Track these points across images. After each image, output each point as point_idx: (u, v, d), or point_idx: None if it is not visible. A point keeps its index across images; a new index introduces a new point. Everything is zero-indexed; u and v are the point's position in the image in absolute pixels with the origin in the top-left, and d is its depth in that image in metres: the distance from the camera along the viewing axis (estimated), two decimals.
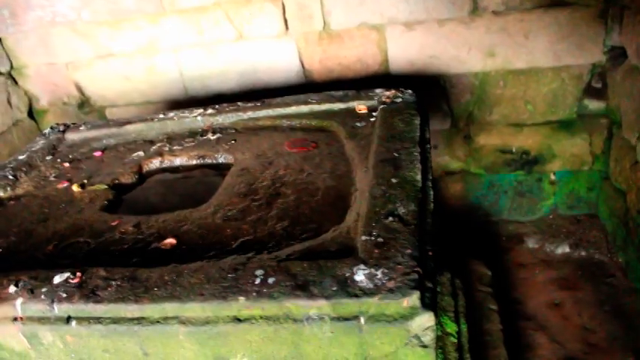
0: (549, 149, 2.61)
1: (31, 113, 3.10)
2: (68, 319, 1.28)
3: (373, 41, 2.59)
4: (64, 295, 1.29)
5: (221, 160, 1.80)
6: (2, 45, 2.91)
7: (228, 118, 1.96)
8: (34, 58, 2.94)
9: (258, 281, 1.21)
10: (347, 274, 1.19)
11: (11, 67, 2.97)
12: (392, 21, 2.51)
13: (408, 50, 2.56)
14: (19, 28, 2.86)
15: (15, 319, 1.31)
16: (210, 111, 2.00)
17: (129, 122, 2.10)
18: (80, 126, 2.18)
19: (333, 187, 1.54)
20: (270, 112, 1.93)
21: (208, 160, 1.82)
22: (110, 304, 1.24)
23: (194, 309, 1.20)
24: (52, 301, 1.28)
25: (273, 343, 1.18)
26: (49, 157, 2.03)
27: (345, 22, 2.56)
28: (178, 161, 1.86)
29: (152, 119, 2.06)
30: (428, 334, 1.14)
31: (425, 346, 1.15)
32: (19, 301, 1.31)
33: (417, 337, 1.14)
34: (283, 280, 1.20)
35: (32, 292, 1.32)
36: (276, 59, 2.71)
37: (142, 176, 1.85)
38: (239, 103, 2.03)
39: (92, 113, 3.01)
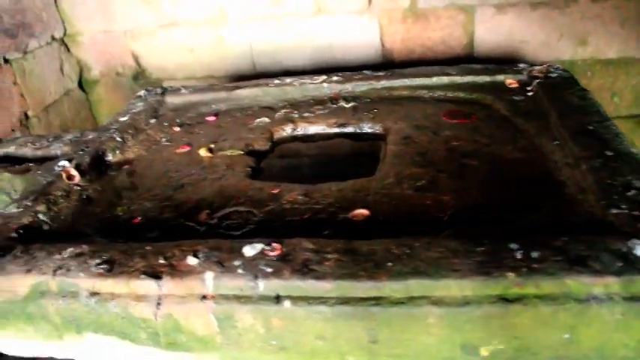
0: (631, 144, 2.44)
1: (79, 84, 2.71)
2: (277, 299, 0.98)
3: (460, 23, 2.36)
4: (269, 269, 1.00)
5: (366, 129, 1.53)
6: (57, 9, 2.52)
7: (358, 86, 1.69)
8: (91, 24, 2.56)
9: (519, 255, 0.96)
10: (623, 249, 0.95)
11: (64, 33, 2.57)
12: (483, 2, 2.29)
13: (495, 34, 2.34)
14: None
15: (204, 297, 1.01)
16: (335, 78, 1.72)
17: (238, 87, 1.79)
18: (180, 89, 1.86)
19: (523, 160, 1.31)
20: (408, 82, 1.67)
21: (350, 129, 1.54)
22: (337, 280, 0.96)
23: (449, 287, 0.93)
24: (256, 277, 0.99)
25: (546, 328, 0.93)
26: (153, 121, 1.70)
27: (432, 1, 2.32)
28: (313, 129, 1.57)
29: (267, 84, 1.77)
30: None
31: None
32: (210, 275, 1.01)
33: None
34: (550, 255, 0.95)
35: (223, 266, 1.02)
36: (355, 36, 2.44)
37: (274, 143, 1.55)
38: (366, 72, 1.77)
39: (147, 86, 2.64)
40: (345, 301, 0.96)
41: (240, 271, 1.01)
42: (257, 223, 1.19)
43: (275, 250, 1.04)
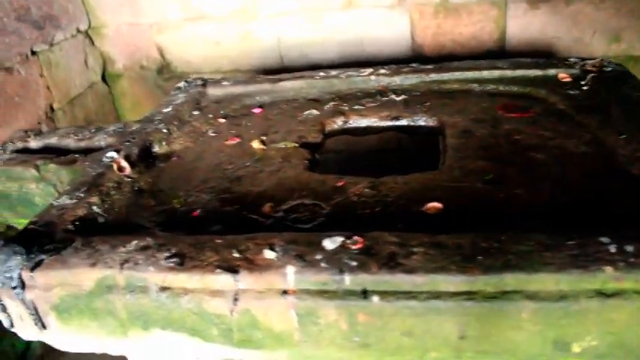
0: None
1: (103, 77, 2.65)
2: (364, 294, 0.94)
3: (492, 18, 2.33)
4: (354, 263, 0.96)
5: (420, 122, 1.49)
6: (82, 1, 2.45)
7: (407, 79, 1.65)
8: (116, 17, 2.51)
9: (613, 249, 0.92)
10: None
11: (89, 25, 2.52)
12: None
13: (528, 29, 2.31)
14: None
15: (284, 292, 0.97)
16: (383, 71, 1.69)
17: (282, 79, 1.75)
18: (221, 81, 1.81)
19: (590, 154, 1.27)
20: (458, 75, 1.63)
21: (403, 122, 1.50)
22: (428, 274, 0.92)
23: (544, 281, 0.90)
24: (341, 271, 0.94)
25: None
26: (196, 112, 1.65)
27: None
28: (365, 122, 1.53)
29: (313, 77, 1.73)
30: None
31: None
32: (291, 269, 0.96)
33: None
34: None
35: (304, 259, 0.98)
36: (386, 31, 2.41)
37: (325, 136, 1.51)
38: (413, 65, 1.73)
39: (172, 80, 2.59)
40: (436, 295, 0.92)
41: (323, 264, 0.96)
42: (326, 216, 1.15)
43: (357, 243, 1.00)
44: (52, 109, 2.32)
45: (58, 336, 1.14)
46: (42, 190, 1.45)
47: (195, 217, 1.22)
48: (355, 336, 0.98)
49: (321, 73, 1.72)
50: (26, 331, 1.15)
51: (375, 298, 0.94)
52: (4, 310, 1.13)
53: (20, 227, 1.55)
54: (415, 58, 2.43)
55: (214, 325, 1.02)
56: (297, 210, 1.18)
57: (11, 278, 1.09)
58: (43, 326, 1.13)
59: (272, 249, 1.01)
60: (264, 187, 1.27)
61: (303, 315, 0.97)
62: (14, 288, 1.09)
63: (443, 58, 2.35)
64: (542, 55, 2.32)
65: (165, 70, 2.60)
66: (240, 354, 1.07)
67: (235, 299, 0.98)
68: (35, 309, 1.11)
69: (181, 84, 1.79)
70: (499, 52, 2.36)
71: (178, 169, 1.42)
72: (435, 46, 2.40)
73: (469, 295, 0.91)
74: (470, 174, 1.22)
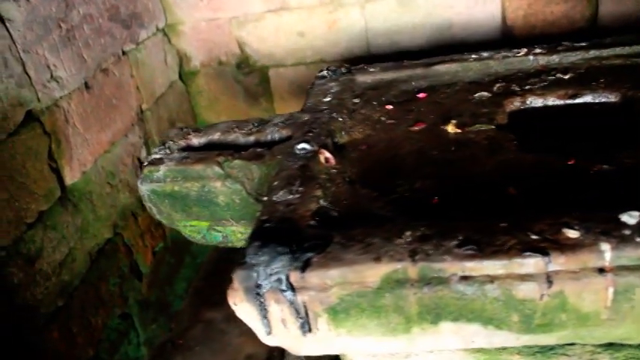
0: None
1: (179, 75, 2.57)
2: None
3: None
4: None
5: (602, 98, 1.50)
6: None
7: (565, 57, 1.67)
8: (194, 13, 2.43)
9: None
10: None
11: (165, 23, 2.43)
12: None
13: (621, 3, 2.36)
14: None
15: (600, 270, 0.96)
16: (538, 50, 1.69)
17: (431, 63, 1.74)
18: (367, 68, 1.79)
19: None
20: (619, 50, 1.65)
21: (584, 100, 1.51)
22: None
23: None
24: None
25: None
26: (356, 100, 1.63)
27: None
28: (542, 101, 1.53)
29: (466, 60, 1.72)
30: None
31: None
32: (606, 246, 0.96)
33: None
34: None
35: (612, 236, 0.98)
36: (476, 14, 2.42)
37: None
38: (565, 43, 1.74)
39: (252, 74, 2.54)
40: None
41: (638, 239, 0.96)
42: (579, 194, 1.15)
43: None
44: (141, 109, 2.23)
45: (323, 339, 1.10)
46: (228, 188, 1.39)
47: (436, 204, 1.19)
48: None
49: (474, 56, 1.72)
50: (283, 337, 1.11)
51: None
52: (265, 316, 1.08)
53: (187, 230, 1.49)
54: (505, 40, 2.45)
55: (516, 312, 1.01)
56: (542, 190, 1.17)
57: (279, 281, 1.05)
58: (309, 330, 1.08)
59: (571, 228, 1.00)
60: (489, 170, 1.26)
61: (620, 292, 0.97)
62: (283, 291, 1.05)
63: (533, 40, 2.39)
64: (635, 28, 2.38)
65: (244, 65, 2.54)
66: (525, 339, 1.06)
67: (549, 282, 0.97)
68: (306, 312, 1.06)
69: (325, 72, 1.76)
70: (591, 30, 2.40)
71: (374, 157, 1.39)
72: (525, 28, 2.43)
73: None
74: None
